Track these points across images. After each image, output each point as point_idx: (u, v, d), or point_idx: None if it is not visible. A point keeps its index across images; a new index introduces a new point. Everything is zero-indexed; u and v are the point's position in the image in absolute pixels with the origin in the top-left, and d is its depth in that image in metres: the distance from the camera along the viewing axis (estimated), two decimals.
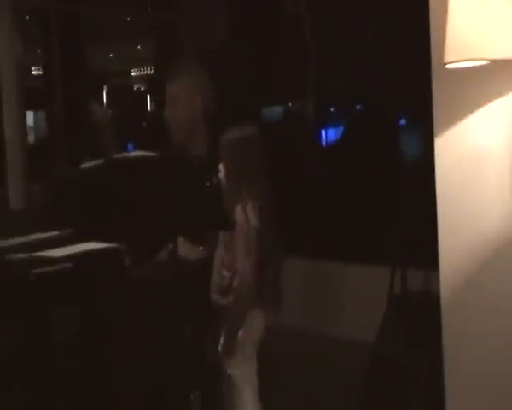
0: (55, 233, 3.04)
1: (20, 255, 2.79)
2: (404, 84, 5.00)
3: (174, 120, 3.34)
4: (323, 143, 6.25)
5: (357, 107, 6.20)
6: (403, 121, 5.37)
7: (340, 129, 6.18)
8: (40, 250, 2.84)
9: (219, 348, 2.97)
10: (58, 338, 2.88)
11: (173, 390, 2.96)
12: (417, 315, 3.28)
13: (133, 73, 11.73)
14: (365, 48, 5.82)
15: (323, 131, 6.26)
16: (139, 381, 2.93)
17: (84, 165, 3.22)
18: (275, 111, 6.55)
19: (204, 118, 3.34)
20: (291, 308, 3.12)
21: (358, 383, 3.37)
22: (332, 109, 6.43)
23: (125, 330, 2.92)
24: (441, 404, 2.46)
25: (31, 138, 8.17)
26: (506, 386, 2.34)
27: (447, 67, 2.19)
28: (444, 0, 2.19)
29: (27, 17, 7.40)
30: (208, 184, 3.01)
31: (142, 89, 11.37)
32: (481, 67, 2.19)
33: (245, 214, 2.90)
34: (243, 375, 2.92)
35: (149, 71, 10.23)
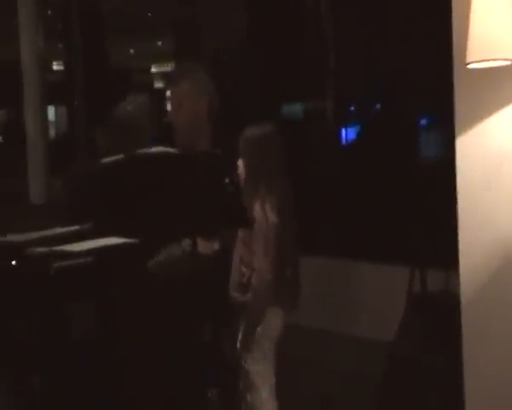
0: (76, 228, 3.06)
1: (41, 249, 2.81)
2: (425, 83, 4.97)
3: (178, 122, 3.35)
4: (343, 142, 6.23)
5: (378, 106, 6.17)
6: (424, 121, 5.34)
7: (360, 128, 6.16)
8: (60, 245, 2.85)
9: (238, 344, 2.97)
10: (77, 332, 2.90)
11: (191, 387, 2.97)
12: (437, 315, 3.26)
13: (153, 70, 11.77)
14: (387, 46, 5.79)
15: (343, 130, 6.24)
16: (157, 377, 2.94)
17: (105, 159, 3.24)
18: (294, 109, 6.54)
19: (210, 119, 3.35)
20: (309, 307, 3.12)
21: (376, 383, 3.36)
22: (352, 108, 6.41)
23: (144, 326, 2.93)
24: (460, 405, 2.44)
25: (52, 133, 8.22)
26: None
27: (469, 66, 2.17)
28: None
29: (49, 12, 7.44)
30: (227, 181, 3.01)
31: (161, 85, 11.40)
32: (503, 67, 2.18)
33: (263, 212, 2.90)
34: (261, 372, 2.92)
35: (169, 67, 10.25)
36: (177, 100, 3.36)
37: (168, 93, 3.43)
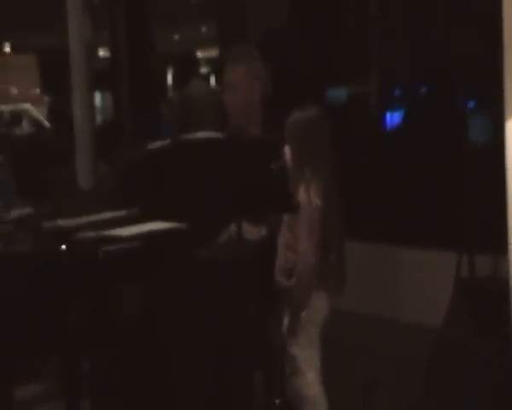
0: (123, 212, 3.10)
1: (89, 234, 2.85)
2: (472, 64, 4.89)
3: (232, 105, 3.36)
4: (388, 126, 6.17)
5: (423, 89, 6.09)
6: (473, 104, 5.25)
7: (405, 111, 6.09)
8: (108, 229, 2.89)
9: (283, 329, 2.98)
10: (124, 316, 2.94)
11: (237, 370, 2.99)
12: (485, 300, 3.22)
13: (198, 55, 11.80)
14: (432, 27, 5.70)
15: (388, 114, 6.18)
16: (203, 361, 2.97)
17: (152, 145, 3.27)
18: (339, 93, 6.49)
19: (262, 103, 3.36)
20: (355, 291, 3.11)
21: (423, 369, 3.34)
22: (396, 91, 6.34)
23: (190, 310, 2.96)
24: (510, 390, 2.42)
25: (98, 119, 8.30)
26: None
27: None
28: None
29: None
30: (272, 165, 3.01)
31: (206, 70, 11.43)
32: None
33: (308, 196, 2.90)
34: (306, 357, 2.93)
35: (214, 53, 10.26)
36: (230, 83, 3.37)
37: (217, 76, 3.44)
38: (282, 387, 3.03)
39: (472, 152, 4.32)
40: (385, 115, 6.15)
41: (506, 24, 2.36)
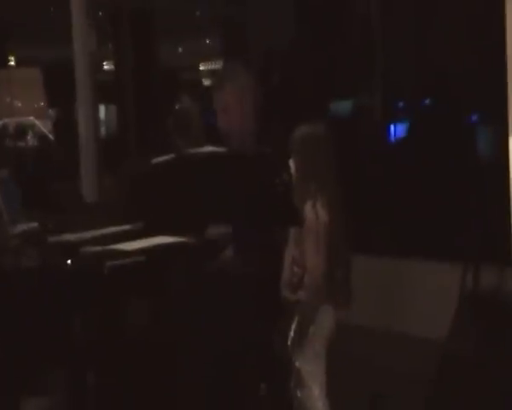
0: (128, 226, 3.10)
1: (94, 248, 2.86)
2: (476, 77, 4.90)
3: (225, 127, 3.35)
4: (392, 139, 6.18)
5: (426, 101, 6.10)
6: (477, 117, 5.26)
7: (409, 124, 6.11)
8: (113, 243, 2.90)
9: (289, 343, 2.98)
10: (129, 330, 2.94)
11: (242, 383, 2.99)
12: (490, 313, 3.22)
13: (201, 68, 11.84)
14: (435, 39, 5.73)
15: (392, 127, 6.20)
16: (208, 372, 2.97)
17: (156, 159, 3.28)
18: (342, 107, 6.51)
19: (257, 121, 3.34)
20: (361, 305, 3.11)
21: (428, 382, 3.34)
22: (400, 104, 6.36)
23: (196, 323, 2.96)
24: None
25: (103, 132, 8.31)
26: None
27: None
28: None
29: (100, 13, 7.55)
30: (278, 180, 3.02)
31: (209, 83, 11.47)
32: None
33: (315, 211, 2.90)
34: (312, 371, 2.93)
35: (218, 65, 10.30)
36: (222, 103, 3.36)
37: (214, 96, 3.42)
38: (287, 400, 3.02)
39: (477, 165, 4.33)
40: (389, 128, 6.17)
41: (509, 38, 2.37)
